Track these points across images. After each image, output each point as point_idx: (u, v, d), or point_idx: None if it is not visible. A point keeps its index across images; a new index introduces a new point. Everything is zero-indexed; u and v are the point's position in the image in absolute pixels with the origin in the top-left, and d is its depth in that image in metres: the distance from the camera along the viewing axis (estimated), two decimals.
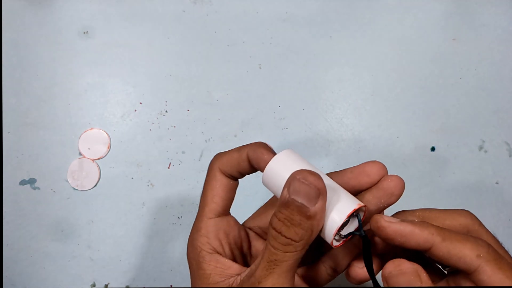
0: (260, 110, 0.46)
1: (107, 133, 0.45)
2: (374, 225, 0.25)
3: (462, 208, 0.28)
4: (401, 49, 0.48)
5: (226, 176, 0.28)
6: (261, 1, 0.48)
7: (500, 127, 0.46)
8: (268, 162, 0.26)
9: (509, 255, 0.27)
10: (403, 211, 0.27)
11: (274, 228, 0.23)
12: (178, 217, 0.43)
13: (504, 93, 0.47)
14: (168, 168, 0.44)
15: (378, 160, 0.27)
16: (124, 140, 0.45)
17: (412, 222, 0.25)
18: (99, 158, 0.44)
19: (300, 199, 0.22)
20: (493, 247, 0.25)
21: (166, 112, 0.46)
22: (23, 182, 0.44)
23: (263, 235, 0.30)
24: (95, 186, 0.44)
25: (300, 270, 0.29)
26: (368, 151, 0.45)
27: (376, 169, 0.26)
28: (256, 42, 0.47)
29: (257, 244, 0.30)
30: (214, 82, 0.46)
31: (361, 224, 0.25)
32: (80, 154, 0.44)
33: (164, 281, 0.42)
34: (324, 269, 0.29)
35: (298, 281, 0.29)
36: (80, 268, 0.42)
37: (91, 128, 0.45)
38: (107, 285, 0.42)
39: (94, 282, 0.42)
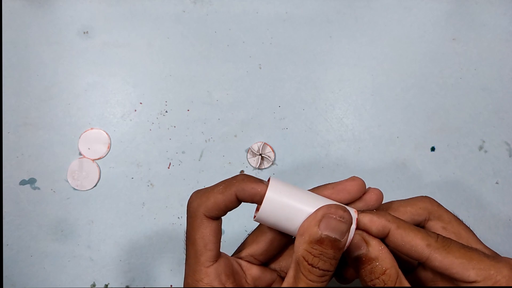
0: (260, 110, 0.46)
1: (107, 133, 0.45)
2: None
3: (423, 195, 0.31)
4: (401, 49, 0.48)
5: (212, 219, 0.27)
6: (261, 1, 0.48)
7: (500, 127, 0.46)
8: (263, 194, 0.26)
9: (472, 232, 0.29)
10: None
11: (310, 264, 0.24)
12: (178, 217, 0.43)
13: (504, 93, 0.47)
14: (168, 168, 0.44)
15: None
16: (124, 140, 0.45)
17: (370, 212, 0.27)
18: (99, 158, 0.44)
19: (333, 235, 0.24)
20: (442, 236, 0.27)
21: (166, 112, 0.46)
22: (23, 182, 0.44)
23: (254, 261, 0.30)
24: (95, 186, 0.44)
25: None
26: (368, 151, 0.45)
27: (357, 187, 0.28)
28: (256, 42, 0.47)
29: (252, 272, 0.30)
30: (214, 82, 0.46)
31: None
32: (80, 154, 0.44)
33: (164, 281, 0.42)
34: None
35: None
36: (80, 268, 0.42)
37: (91, 128, 0.45)
38: (107, 285, 0.42)
39: (94, 282, 0.42)
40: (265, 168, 0.44)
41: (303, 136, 0.45)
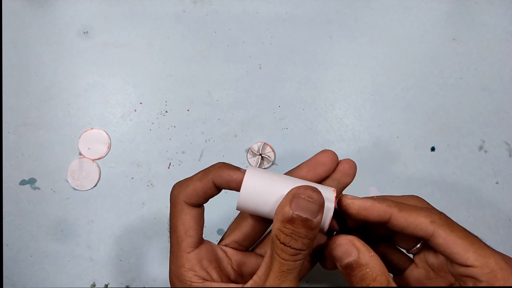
0: (260, 110, 0.46)
1: (107, 133, 0.45)
2: (341, 204, 0.28)
3: (413, 195, 0.31)
4: (401, 49, 0.48)
5: (193, 206, 0.28)
6: (261, 1, 0.48)
7: (500, 127, 0.46)
8: (239, 181, 0.27)
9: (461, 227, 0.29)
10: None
11: (282, 243, 0.24)
12: None
13: (504, 93, 0.47)
14: (168, 168, 0.44)
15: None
16: (124, 140, 0.45)
17: (372, 198, 0.28)
18: (99, 158, 0.44)
19: (304, 215, 0.24)
20: (444, 214, 0.28)
21: (166, 112, 0.46)
22: (23, 182, 0.44)
23: (239, 247, 0.31)
24: (95, 186, 0.44)
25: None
26: (368, 151, 0.45)
27: (330, 157, 0.29)
28: (256, 42, 0.47)
29: (237, 258, 0.30)
30: (214, 82, 0.46)
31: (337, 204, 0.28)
32: (80, 154, 0.44)
33: (164, 281, 0.42)
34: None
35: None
36: (80, 268, 0.42)
37: (91, 128, 0.45)
38: (107, 285, 0.42)
39: (94, 282, 0.42)
40: (265, 168, 0.44)
41: (303, 136, 0.45)
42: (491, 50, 0.48)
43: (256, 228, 0.30)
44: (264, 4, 0.48)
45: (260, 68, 0.47)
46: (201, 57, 0.47)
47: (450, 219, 0.28)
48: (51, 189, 0.44)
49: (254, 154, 0.44)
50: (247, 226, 0.30)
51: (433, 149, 0.46)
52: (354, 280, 0.26)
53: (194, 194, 0.28)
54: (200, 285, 0.27)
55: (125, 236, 0.43)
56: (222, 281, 0.28)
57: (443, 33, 0.48)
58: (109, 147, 0.45)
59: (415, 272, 0.31)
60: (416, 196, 0.31)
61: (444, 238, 0.26)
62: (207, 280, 0.27)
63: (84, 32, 0.47)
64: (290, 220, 0.24)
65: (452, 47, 0.48)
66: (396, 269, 0.32)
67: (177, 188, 0.28)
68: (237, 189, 0.27)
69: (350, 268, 0.26)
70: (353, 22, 0.48)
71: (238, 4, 0.48)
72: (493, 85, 0.47)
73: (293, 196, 0.25)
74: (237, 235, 0.30)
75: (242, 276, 0.30)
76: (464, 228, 0.27)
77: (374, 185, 0.44)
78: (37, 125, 0.45)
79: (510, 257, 0.27)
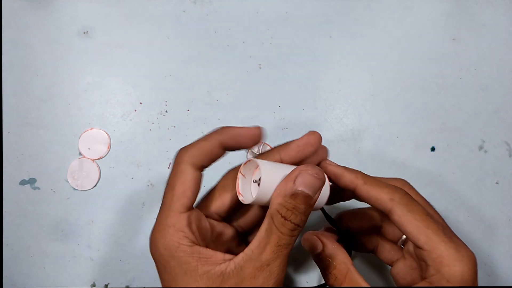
0: (260, 110, 0.46)
1: (107, 133, 0.45)
2: (319, 165, 0.32)
3: (400, 178, 0.33)
4: (401, 49, 0.48)
5: (195, 168, 0.28)
6: (261, 1, 0.48)
7: (500, 127, 0.46)
8: (248, 135, 0.29)
9: (439, 216, 0.31)
10: None
11: (283, 217, 0.26)
12: None
13: (504, 93, 0.47)
14: (168, 168, 0.44)
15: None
16: (124, 140, 0.45)
17: (344, 167, 0.31)
18: (99, 158, 0.44)
19: (307, 191, 0.26)
20: (409, 196, 0.29)
21: (166, 112, 0.46)
22: (23, 182, 0.44)
23: (218, 219, 0.31)
24: (95, 186, 0.44)
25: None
26: (368, 151, 0.45)
27: (317, 138, 0.32)
28: (256, 42, 0.47)
29: (218, 229, 0.31)
30: (214, 82, 0.46)
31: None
32: (80, 154, 0.44)
33: None
34: None
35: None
36: (80, 268, 0.42)
37: (91, 128, 0.45)
38: (107, 285, 0.42)
39: (94, 282, 0.42)
40: None
41: None
42: (491, 50, 0.48)
43: (238, 202, 0.30)
44: (264, 4, 0.48)
45: (260, 68, 0.47)
46: (201, 57, 0.47)
47: (413, 201, 0.29)
48: (51, 189, 0.44)
49: (254, 154, 0.44)
50: (229, 199, 0.30)
51: (433, 149, 0.46)
52: (321, 268, 0.30)
53: (199, 154, 0.28)
54: (188, 248, 0.26)
55: (125, 236, 0.43)
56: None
57: (443, 33, 0.48)
58: (109, 147, 0.45)
59: (402, 263, 0.32)
60: (402, 179, 0.33)
61: (399, 216, 0.28)
62: (196, 244, 0.27)
63: (84, 32, 0.47)
64: (294, 195, 0.26)
65: (452, 47, 0.48)
66: (388, 261, 0.34)
67: (183, 150, 0.28)
68: (246, 145, 0.29)
69: (318, 259, 0.30)
70: (353, 22, 0.48)
71: (238, 4, 0.48)
72: (493, 85, 0.47)
73: (299, 172, 0.26)
74: (220, 208, 0.30)
75: (217, 247, 0.30)
76: (426, 212, 0.28)
77: None
78: (37, 125, 0.45)
79: (465, 247, 0.28)
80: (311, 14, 0.48)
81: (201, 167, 0.29)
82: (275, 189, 0.27)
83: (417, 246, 0.28)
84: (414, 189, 0.33)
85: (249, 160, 0.28)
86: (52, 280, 0.42)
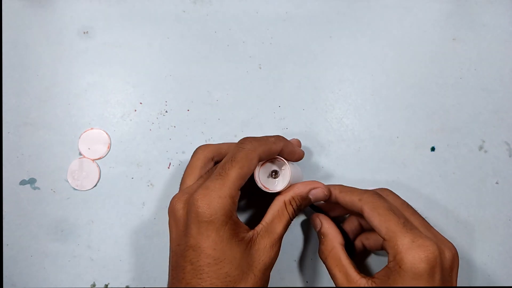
0: (260, 110, 0.46)
1: (107, 133, 0.45)
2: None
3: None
4: (401, 49, 0.48)
5: (260, 161, 0.35)
6: (261, 1, 0.48)
7: (500, 127, 0.46)
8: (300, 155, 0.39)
9: (417, 214, 0.36)
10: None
11: (293, 206, 0.35)
12: None
13: (504, 93, 0.47)
14: (168, 168, 0.44)
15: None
16: (124, 140, 0.45)
17: (330, 185, 0.38)
18: (99, 158, 0.44)
19: (312, 199, 0.37)
20: (378, 196, 0.34)
21: (166, 112, 0.46)
22: (23, 182, 0.44)
23: None
24: (95, 186, 0.44)
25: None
26: (368, 151, 0.45)
27: (298, 143, 0.42)
28: (256, 42, 0.47)
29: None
30: (214, 82, 0.46)
31: None
32: (80, 154, 0.44)
33: (164, 281, 0.42)
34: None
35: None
36: (80, 268, 0.42)
37: (91, 128, 0.45)
38: (107, 285, 0.42)
39: (94, 282, 0.42)
40: None
41: (303, 136, 0.45)
42: (491, 50, 0.48)
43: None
44: (264, 4, 0.48)
45: (260, 68, 0.47)
46: (201, 57, 0.47)
47: (379, 199, 0.34)
48: (51, 189, 0.44)
49: None
50: (244, 180, 0.35)
51: (433, 149, 0.46)
52: (319, 242, 0.37)
53: (266, 155, 0.35)
54: (236, 218, 0.33)
55: (125, 236, 0.43)
56: None
57: (443, 33, 0.48)
58: (109, 147, 0.45)
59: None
60: (387, 189, 0.39)
61: (368, 212, 0.33)
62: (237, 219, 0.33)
63: (84, 32, 0.47)
64: (303, 198, 0.36)
65: (452, 47, 0.48)
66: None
67: (254, 144, 0.34)
68: (290, 159, 0.38)
69: (319, 235, 0.38)
70: (353, 22, 0.48)
71: (238, 4, 0.48)
72: (493, 85, 0.47)
73: (313, 187, 0.36)
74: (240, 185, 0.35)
75: None
76: (390, 208, 0.33)
77: (374, 185, 0.44)
78: (37, 125, 0.45)
79: (426, 239, 0.31)
80: (311, 14, 0.48)
81: (262, 161, 0.36)
82: (295, 186, 0.36)
83: (381, 237, 0.32)
84: (394, 194, 0.38)
85: (276, 158, 0.36)
86: (52, 280, 0.42)
